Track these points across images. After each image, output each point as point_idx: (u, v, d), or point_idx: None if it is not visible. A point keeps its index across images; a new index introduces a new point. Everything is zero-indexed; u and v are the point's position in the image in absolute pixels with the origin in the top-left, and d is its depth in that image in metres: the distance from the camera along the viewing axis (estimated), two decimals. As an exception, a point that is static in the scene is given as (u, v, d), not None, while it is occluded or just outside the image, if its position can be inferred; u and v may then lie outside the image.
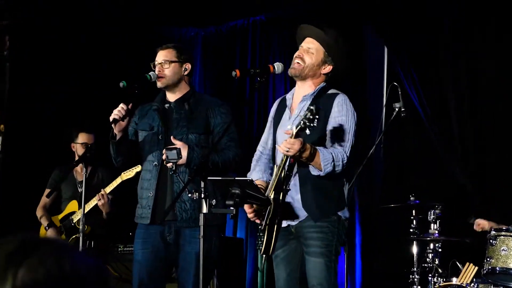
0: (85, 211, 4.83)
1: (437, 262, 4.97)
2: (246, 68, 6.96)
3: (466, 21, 5.83)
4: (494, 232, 4.50)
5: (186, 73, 4.04)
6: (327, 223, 3.58)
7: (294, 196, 3.62)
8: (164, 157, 3.69)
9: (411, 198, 5.12)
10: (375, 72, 6.52)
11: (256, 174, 3.87)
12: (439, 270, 4.92)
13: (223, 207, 3.63)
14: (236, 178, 3.48)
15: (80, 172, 5.67)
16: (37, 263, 1.03)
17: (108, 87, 4.95)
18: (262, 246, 3.57)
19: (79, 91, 6.83)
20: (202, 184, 3.41)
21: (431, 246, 4.99)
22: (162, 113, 4.03)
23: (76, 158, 5.67)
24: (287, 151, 3.36)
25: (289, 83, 7.15)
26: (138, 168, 4.84)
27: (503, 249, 4.41)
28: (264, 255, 3.60)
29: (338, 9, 6.59)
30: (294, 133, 3.28)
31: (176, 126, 3.97)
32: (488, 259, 4.46)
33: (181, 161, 3.76)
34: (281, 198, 3.54)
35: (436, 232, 4.98)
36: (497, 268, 4.42)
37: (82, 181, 5.48)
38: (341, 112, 3.57)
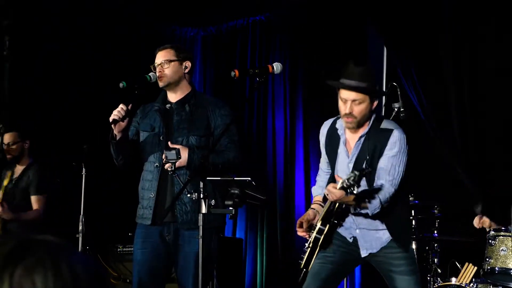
0: None
1: (436, 262, 4.97)
2: (245, 68, 6.96)
3: (466, 20, 5.83)
4: (493, 232, 4.51)
5: (186, 71, 4.04)
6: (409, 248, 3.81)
7: (372, 226, 3.72)
8: (163, 157, 3.70)
9: (410, 198, 5.12)
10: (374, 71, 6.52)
11: (317, 190, 3.98)
12: (438, 270, 4.93)
13: (222, 207, 3.65)
14: (235, 178, 3.50)
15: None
16: (34, 264, 1.03)
17: (108, 88, 4.95)
18: (302, 261, 3.77)
19: (79, 91, 6.83)
20: (201, 185, 3.42)
21: (430, 246, 5.00)
22: (163, 114, 4.04)
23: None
24: (327, 195, 3.52)
25: (289, 84, 7.16)
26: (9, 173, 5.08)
27: (502, 249, 4.41)
28: (303, 269, 3.79)
29: (339, 9, 6.60)
30: (337, 188, 3.40)
31: (177, 128, 3.97)
32: (487, 259, 4.46)
33: (181, 163, 3.77)
34: (326, 230, 3.69)
35: (435, 232, 4.99)
36: (496, 268, 4.42)
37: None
38: (393, 149, 3.62)
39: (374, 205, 3.55)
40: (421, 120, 5.87)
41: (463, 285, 4.61)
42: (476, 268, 4.64)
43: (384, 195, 3.55)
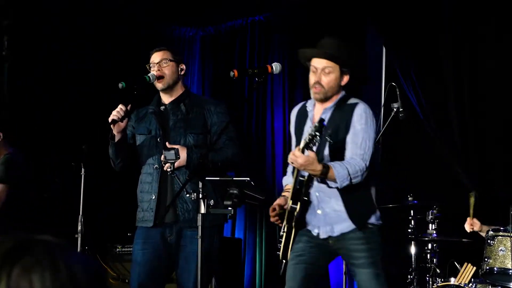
0: None
1: (435, 262, 4.97)
2: (244, 68, 6.97)
3: (466, 20, 5.83)
4: (492, 232, 4.51)
5: (182, 73, 4.05)
6: (370, 234, 3.60)
7: (335, 207, 3.60)
8: (162, 157, 3.70)
9: (409, 198, 5.12)
10: (373, 71, 6.52)
11: (287, 179, 3.86)
12: (437, 270, 4.93)
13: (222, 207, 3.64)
14: (234, 178, 3.49)
15: None
16: (32, 263, 1.03)
17: (108, 88, 4.95)
18: (280, 252, 3.66)
19: (79, 91, 6.84)
20: (200, 185, 3.42)
21: (429, 246, 5.00)
22: (159, 116, 4.02)
23: None
24: (292, 163, 3.43)
25: (288, 84, 7.16)
26: None
27: (501, 249, 4.42)
28: (283, 260, 3.67)
29: (338, 9, 6.60)
30: (300, 148, 3.32)
31: (174, 128, 3.96)
32: (486, 259, 4.47)
33: (181, 163, 3.76)
34: (298, 208, 3.57)
35: (434, 232, 4.99)
36: (495, 268, 4.43)
37: None
38: (360, 121, 3.55)
39: (342, 176, 3.42)
40: (420, 120, 5.87)
41: (462, 285, 4.61)
42: (475, 268, 4.65)
43: (353, 167, 3.45)
